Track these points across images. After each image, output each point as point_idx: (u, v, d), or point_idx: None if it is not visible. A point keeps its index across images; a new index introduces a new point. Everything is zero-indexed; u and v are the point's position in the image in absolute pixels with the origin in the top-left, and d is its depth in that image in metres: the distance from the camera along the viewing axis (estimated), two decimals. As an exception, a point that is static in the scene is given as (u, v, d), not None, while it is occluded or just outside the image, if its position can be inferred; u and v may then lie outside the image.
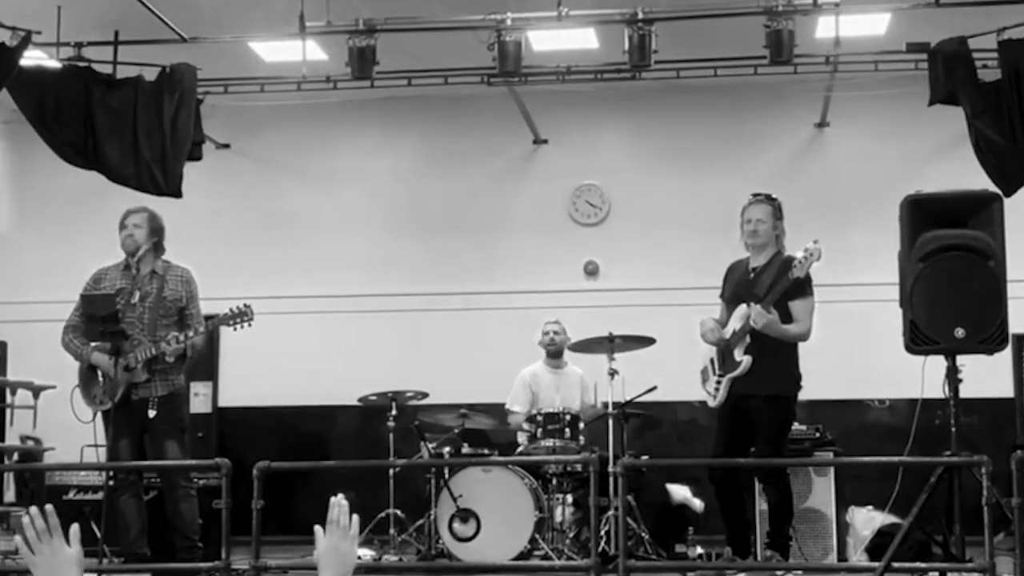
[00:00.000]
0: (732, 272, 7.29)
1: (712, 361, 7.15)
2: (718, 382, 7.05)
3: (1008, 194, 7.77)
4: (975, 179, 7.88)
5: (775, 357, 6.86)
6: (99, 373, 6.96)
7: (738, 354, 6.92)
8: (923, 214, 5.63)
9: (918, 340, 5.53)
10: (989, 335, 5.48)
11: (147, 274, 7.05)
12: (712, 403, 7.13)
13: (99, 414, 6.94)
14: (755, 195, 7.19)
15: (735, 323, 6.98)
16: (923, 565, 5.83)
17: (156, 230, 7.11)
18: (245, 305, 6.97)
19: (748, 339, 6.86)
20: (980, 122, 8.45)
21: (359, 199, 12.08)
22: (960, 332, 5.47)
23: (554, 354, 9.17)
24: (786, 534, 7.04)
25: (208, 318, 7.10)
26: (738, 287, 7.13)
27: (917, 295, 5.54)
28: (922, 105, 8.83)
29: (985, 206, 5.65)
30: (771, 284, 6.85)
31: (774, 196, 7.17)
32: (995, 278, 5.50)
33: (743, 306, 6.91)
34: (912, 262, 5.59)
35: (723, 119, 11.63)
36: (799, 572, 6.88)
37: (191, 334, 6.89)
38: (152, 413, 6.87)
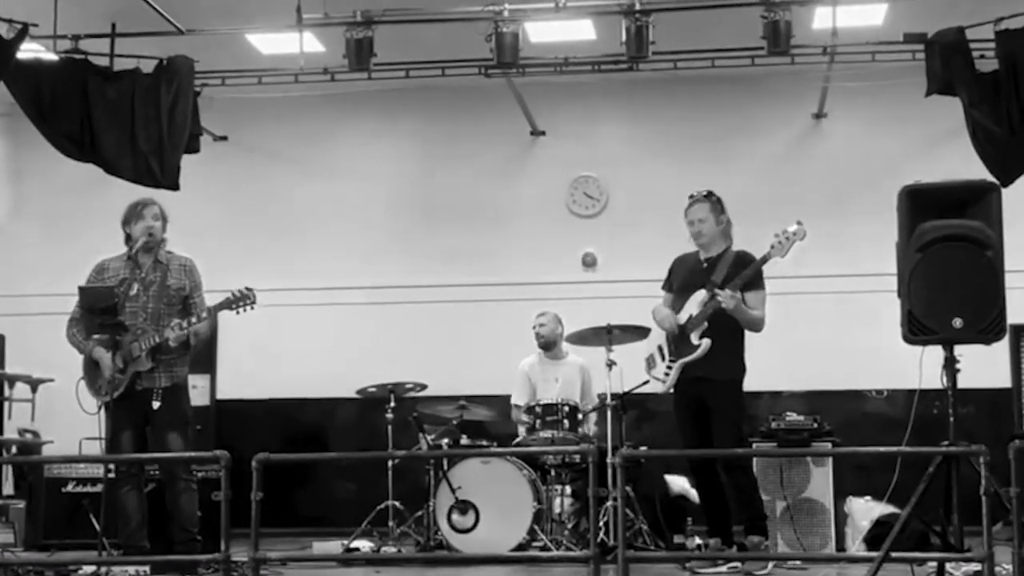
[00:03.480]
0: (681, 263, 7.42)
1: (660, 348, 7.27)
2: (669, 367, 7.17)
3: (1006, 184, 7.78)
4: (973, 169, 7.90)
5: (729, 343, 7.03)
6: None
7: (695, 338, 7.03)
8: (921, 204, 5.61)
9: (916, 330, 5.52)
10: (987, 325, 5.47)
11: (150, 264, 7.03)
12: (662, 388, 7.26)
13: (103, 406, 6.92)
14: (692, 196, 7.30)
15: (692, 308, 7.11)
16: (922, 555, 5.83)
17: (166, 222, 7.13)
18: (247, 288, 6.91)
19: (706, 324, 6.94)
20: (977, 112, 8.46)
21: (356, 191, 12.07)
22: (958, 322, 5.46)
23: (544, 347, 9.19)
24: (763, 515, 7.12)
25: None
26: (691, 276, 7.25)
27: (915, 285, 5.53)
28: (919, 95, 8.85)
29: (983, 196, 5.62)
30: (731, 272, 6.99)
31: (710, 192, 7.26)
32: (993, 268, 5.49)
33: (702, 291, 7.06)
34: (910, 252, 5.57)
35: (721, 110, 11.63)
36: (797, 562, 6.90)
37: (194, 320, 6.87)
38: (156, 404, 6.82)
